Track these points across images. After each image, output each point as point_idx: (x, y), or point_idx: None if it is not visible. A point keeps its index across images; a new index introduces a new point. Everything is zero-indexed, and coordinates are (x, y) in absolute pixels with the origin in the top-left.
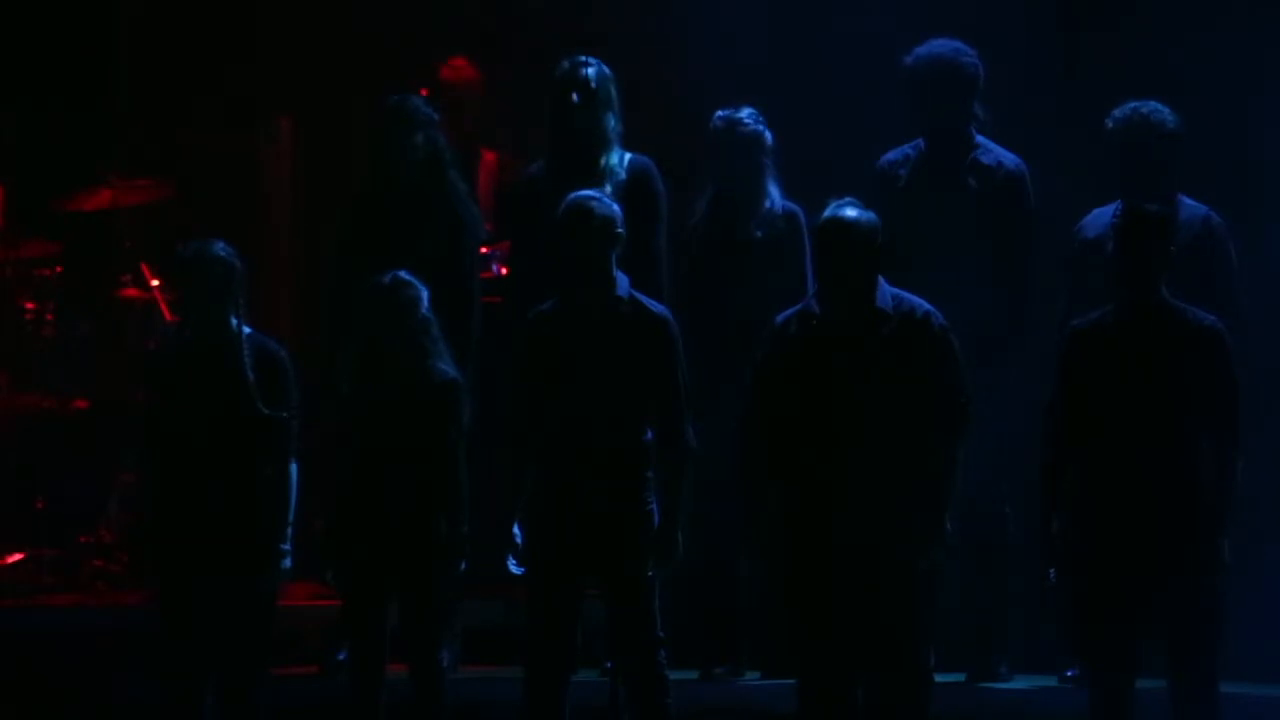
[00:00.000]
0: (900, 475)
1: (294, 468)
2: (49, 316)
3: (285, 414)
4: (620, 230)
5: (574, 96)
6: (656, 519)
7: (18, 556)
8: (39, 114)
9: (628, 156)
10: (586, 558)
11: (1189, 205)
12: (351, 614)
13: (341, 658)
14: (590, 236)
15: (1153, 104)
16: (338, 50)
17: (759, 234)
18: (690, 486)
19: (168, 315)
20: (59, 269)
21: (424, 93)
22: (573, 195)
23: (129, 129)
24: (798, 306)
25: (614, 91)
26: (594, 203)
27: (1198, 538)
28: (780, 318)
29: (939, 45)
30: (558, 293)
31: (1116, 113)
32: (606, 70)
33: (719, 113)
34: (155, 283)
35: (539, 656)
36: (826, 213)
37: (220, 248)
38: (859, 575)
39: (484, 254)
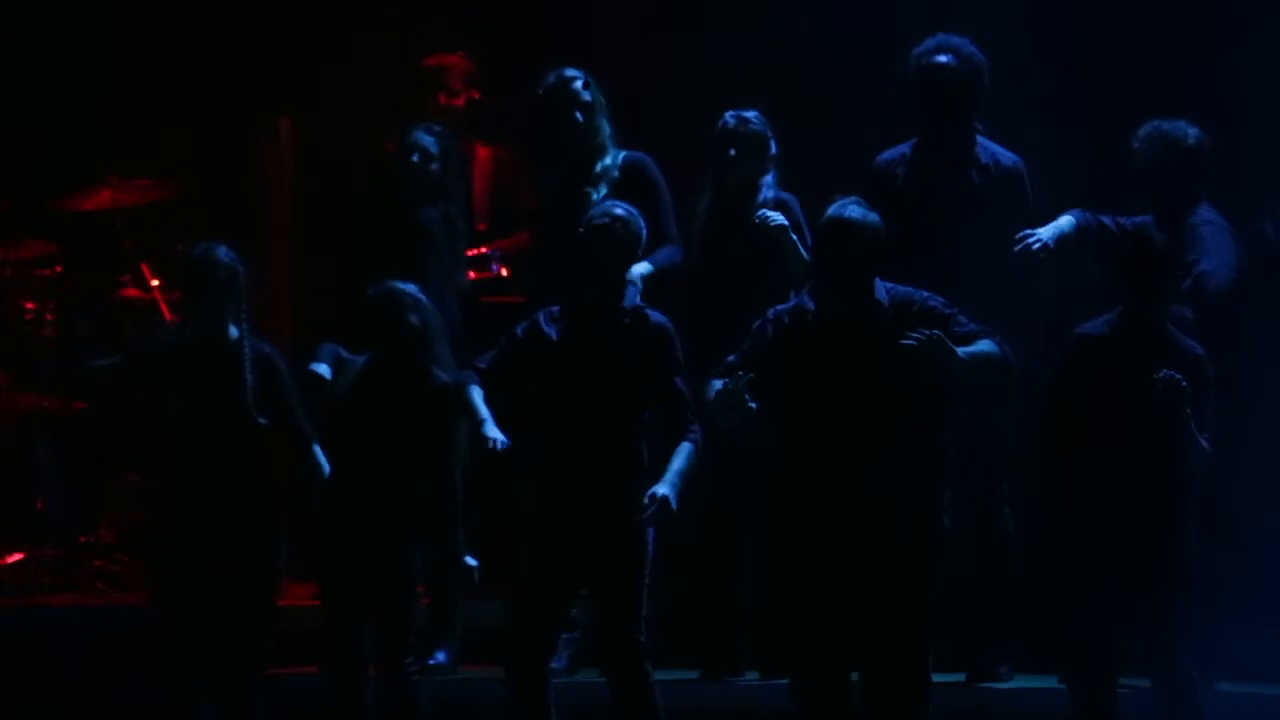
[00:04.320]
0: (903, 466)
1: (316, 447)
2: (49, 316)
3: (286, 413)
4: (639, 250)
5: (577, 115)
6: (650, 529)
7: (18, 556)
8: (39, 114)
9: (621, 154)
10: (579, 561)
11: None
12: (329, 619)
13: None
14: (608, 249)
15: (1176, 121)
16: (337, 50)
17: (749, 229)
18: (694, 463)
19: (168, 315)
20: (59, 269)
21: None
22: (600, 208)
23: (129, 129)
24: (791, 302)
25: (603, 97)
26: (619, 212)
27: (1168, 545)
28: (773, 312)
29: (945, 39)
30: (563, 298)
31: (1140, 130)
32: (590, 78)
33: (729, 113)
34: (155, 283)
35: (520, 655)
36: (830, 211)
37: (224, 252)
38: (861, 569)
39: (483, 254)
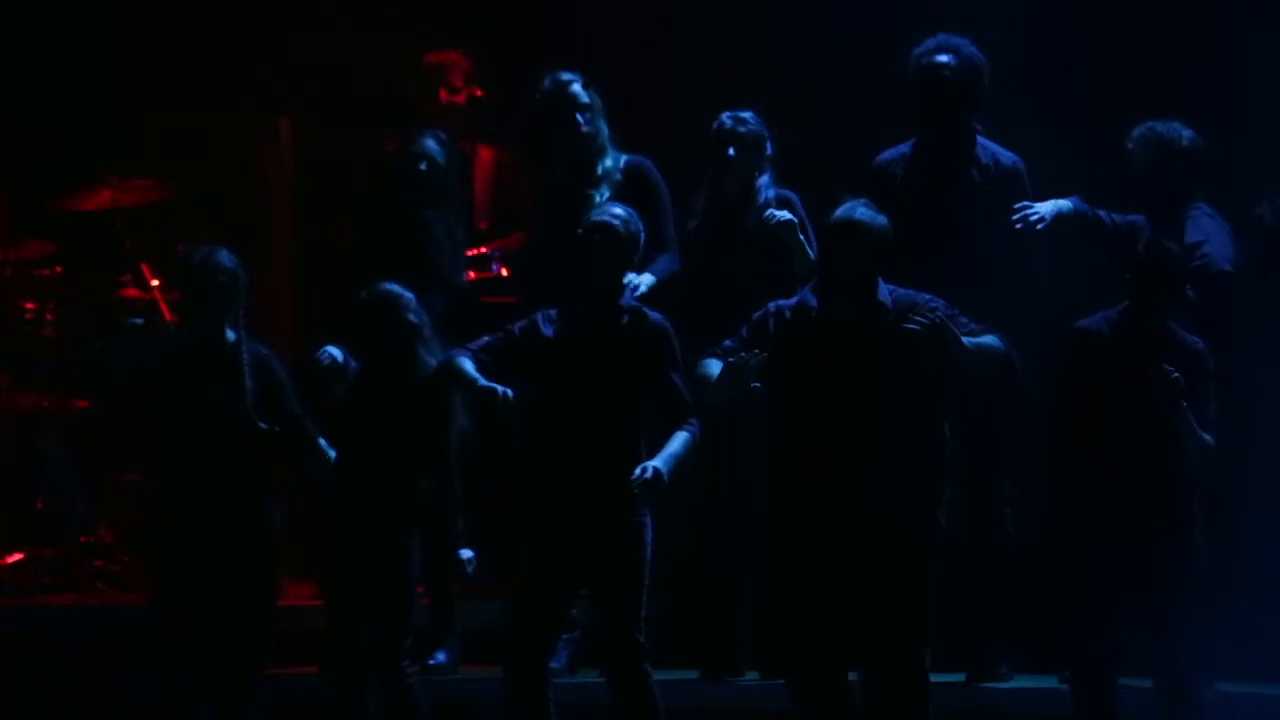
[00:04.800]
0: (902, 466)
1: (321, 441)
2: (49, 316)
3: (286, 413)
4: (638, 251)
5: (579, 118)
6: (649, 530)
7: (18, 556)
8: (39, 114)
9: (624, 158)
10: (578, 561)
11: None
12: (330, 620)
13: None
14: (606, 250)
15: (1170, 123)
16: (337, 50)
17: (757, 235)
18: (690, 451)
19: (168, 315)
20: (59, 269)
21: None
22: (599, 209)
23: (129, 129)
24: (794, 299)
25: (600, 99)
26: (618, 213)
27: (1171, 544)
28: (774, 305)
29: (946, 39)
30: (562, 299)
31: (1134, 132)
32: (585, 79)
33: (725, 114)
34: (155, 283)
35: (519, 655)
36: (838, 212)
37: (225, 256)
38: (860, 568)
39: (483, 254)
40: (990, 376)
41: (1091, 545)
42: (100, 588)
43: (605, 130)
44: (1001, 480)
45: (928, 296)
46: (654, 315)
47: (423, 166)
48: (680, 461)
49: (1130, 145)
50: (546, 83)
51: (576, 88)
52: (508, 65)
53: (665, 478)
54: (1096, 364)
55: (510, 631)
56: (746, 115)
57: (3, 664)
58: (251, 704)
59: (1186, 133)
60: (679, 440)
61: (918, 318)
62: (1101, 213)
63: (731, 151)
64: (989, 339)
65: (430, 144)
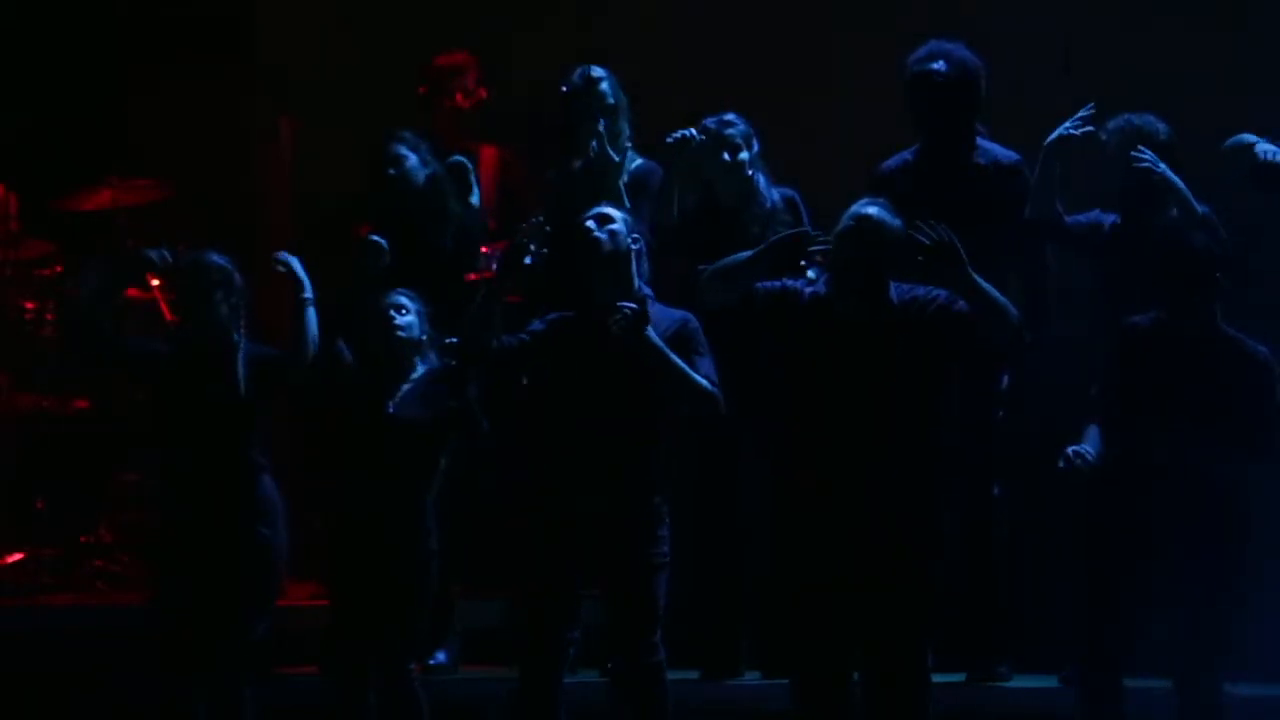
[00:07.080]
0: (905, 465)
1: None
2: (49, 316)
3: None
4: (634, 244)
5: (601, 120)
6: (665, 524)
7: (18, 556)
8: (39, 114)
9: (636, 162)
10: (590, 563)
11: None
12: (334, 623)
13: None
14: (614, 250)
15: (1146, 115)
16: (337, 50)
17: (765, 235)
18: (699, 388)
19: (168, 315)
20: (59, 269)
21: (422, 89)
22: (597, 209)
23: (129, 129)
24: (808, 290)
25: (624, 96)
26: (618, 212)
27: (1218, 546)
28: (794, 281)
29: (939, 45)
30: (571, 301)
31: (1110, 124)
32: (613, 77)
33: (708, 119)
34: (155, 283)
35: (532, 666)
36: (853, 211)
37: (214, 256)
38: (862, 567)
39: (484, 253)
40: (997, 339)
41: (1122, 541)
42: (100, 588)
43: (627, 131)
44: (1002, 479)
45: (927, 288)
46: (672, 312)
47: (414, 179)
48: (680, 370)
49: (1105, 137)
50: (575, 77)
51: (604, 86)
52: (508, 65)
53: (650, 332)
54: (1142, 360)
55: (525, 637)
56: (730, 117)
57: (3, 664)
58: (249, 704)
59: (1162, 126)
60: (698, 376)
61: (924, 228)
62: (1065, 215)
63: (727, 155)
64: (1002, 299)
65: (414, 159)
